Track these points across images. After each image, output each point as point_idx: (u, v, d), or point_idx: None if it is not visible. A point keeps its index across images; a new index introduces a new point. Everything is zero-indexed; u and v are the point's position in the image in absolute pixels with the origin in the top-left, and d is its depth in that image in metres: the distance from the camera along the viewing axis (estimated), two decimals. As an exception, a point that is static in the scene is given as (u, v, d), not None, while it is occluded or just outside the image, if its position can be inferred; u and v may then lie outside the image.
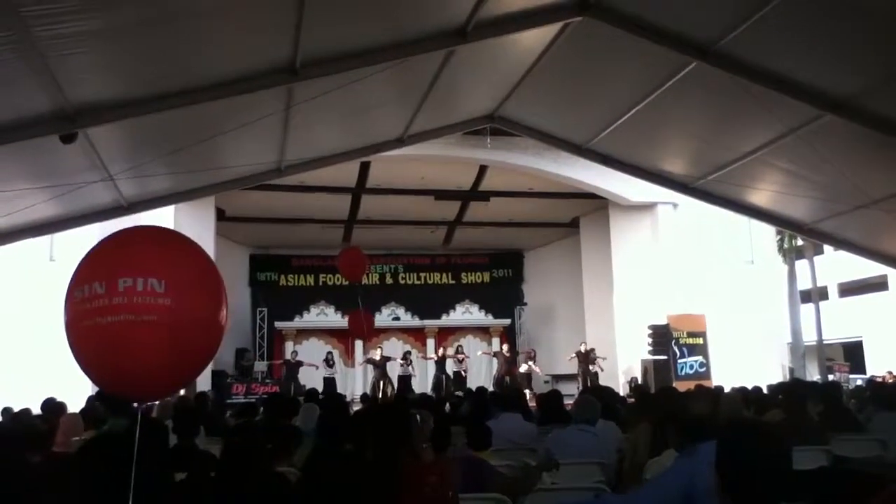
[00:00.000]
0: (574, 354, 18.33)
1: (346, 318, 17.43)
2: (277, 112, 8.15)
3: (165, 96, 6.80)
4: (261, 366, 19.48)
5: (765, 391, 7.39)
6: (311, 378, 17.76)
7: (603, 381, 16.33)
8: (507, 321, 22.61)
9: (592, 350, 18.16)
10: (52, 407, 7.22)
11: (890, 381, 14.66)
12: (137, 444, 3.76)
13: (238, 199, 16.44)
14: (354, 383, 20.31)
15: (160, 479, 3.44)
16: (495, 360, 20.12)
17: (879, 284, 26.59)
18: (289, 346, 20.15)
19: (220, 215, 17.95)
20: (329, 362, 18.70)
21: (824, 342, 21.74)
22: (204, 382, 15.37)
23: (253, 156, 9.84)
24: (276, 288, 22.25)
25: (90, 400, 7.46)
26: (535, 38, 8.36)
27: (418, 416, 4.59)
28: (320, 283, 22.24)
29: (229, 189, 11.43)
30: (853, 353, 26.97)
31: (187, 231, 15.29)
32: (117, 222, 11.26)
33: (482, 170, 17.26)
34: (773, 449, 2.17)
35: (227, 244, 19.66)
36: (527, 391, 15.54)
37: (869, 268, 22.23)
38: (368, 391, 17.56)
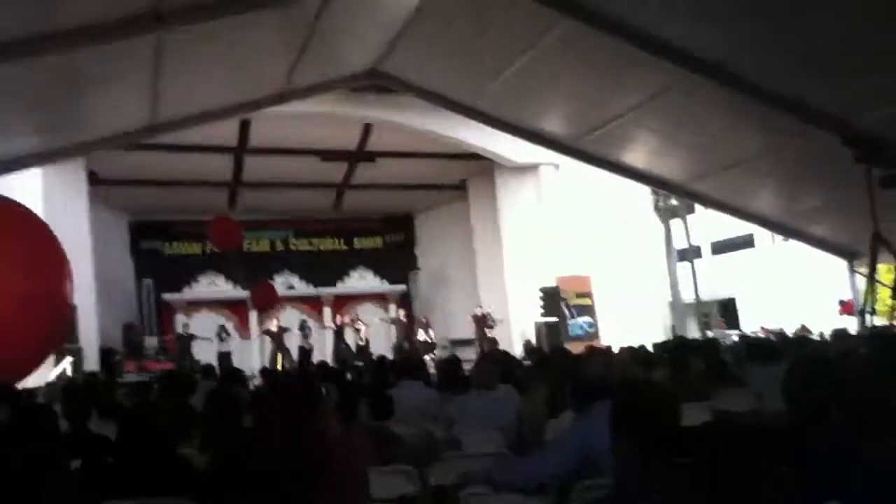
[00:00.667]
0: (471, 318, 18.65)
1: (246, 291, 17.02)
2: (146, 63, 7.67)
3: (19, 43, 6.28)
4: (151, 341, 18.73)
5: (650, 350, 7.78)
6: (206, 353, 17.28)
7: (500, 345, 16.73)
8: (403, 287, 22.69)
9: (489, 314, 18.49)
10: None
11: (762, 335, 15.70)
12: (23, 432, 3.60)
13: (112, 160, 15.50)
14: (251, 357, 19.84)
15: (53, 470, 3.30)
16: (394, 328, 20.22)
17: (747, 243, 28.22)
18: (180, 320, 19.50)
19: (94, 179, 16.77)
20: (221, 336, 18.22)
21: (701, 300, 22.98)
22: (92, 361, 14.66)
23: (124, 112, 9.28)
24: (162, 257, 21.23)
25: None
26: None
27: (323, 389, 4.59)
28: (207, 252, 21.08)
29: (100, 149, 10.81)
30: (728, 310, 28.57)
31: (58, 197, 14.36)
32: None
33: (367, 128, 17.01)
34: (664, 407, 2.32)
35: (105, 211, 18.43)
36: (427, 357, 15.71)
37: (738, 227, 23.60)
38: (267, 364, 17.30)
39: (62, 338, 2.94)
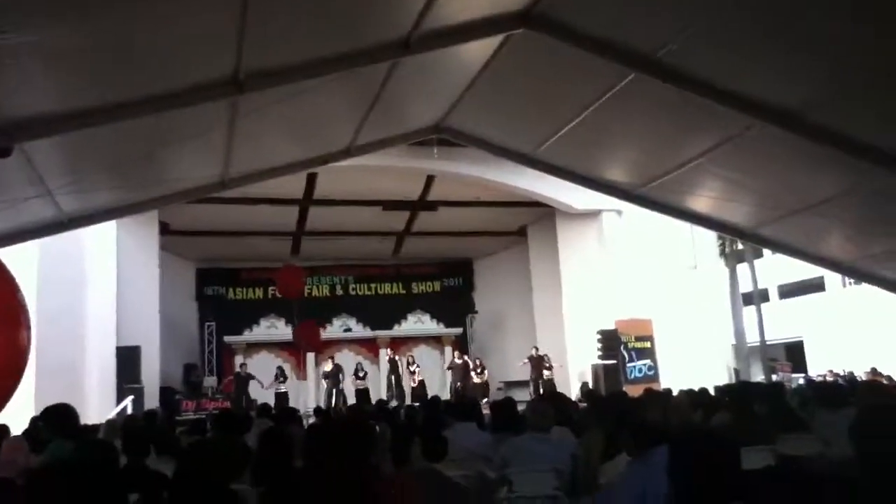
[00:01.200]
0: (527, 359, 18.52)
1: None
2: (221, 124, 8.03)
3: (104, 109, 6.62)
4: (210, 381, 19.15)
5: (712, 393, 7.55)
6: (263, 393, 17.55)
7: (557, 387, 16.52)
8: (459, 330, 22.68)
9: (546, 356, 18.34)
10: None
11: (830, 379, 15.13)
12: (87, 468, 3.67)
13: (183, 212, 16.17)
14: (307, 396, 20.08)
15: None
16: (450, 373, 20.19)
17: (817, 286, 27.44)
18: (238, 361, 19.87)
19: (164, 229, 17.61)
20: (279, 377, 18.52)
21: (767, 343, 22.33)
22: (153, 399, 15.07)
23: (197, 169, 9.67)
24: (224, 302, 21.92)
25: (33, 421, 7.23)
26: (478, 49, 8.41)
27: (377, 427, 4.59)
28: (269, 296, 21.91)
29: (173, 203, 11.23)
30: (794, 353, 27.72)
31: (131, 246, 15.17)
32: (57, 238, 10.98)
33: (430, 179, 17.33)
34: (723, 452, 2.25)
35: (173, 258, 19.29)
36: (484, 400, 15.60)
37: (807, 270, 22.97)
38: (322, 404, 17.42)
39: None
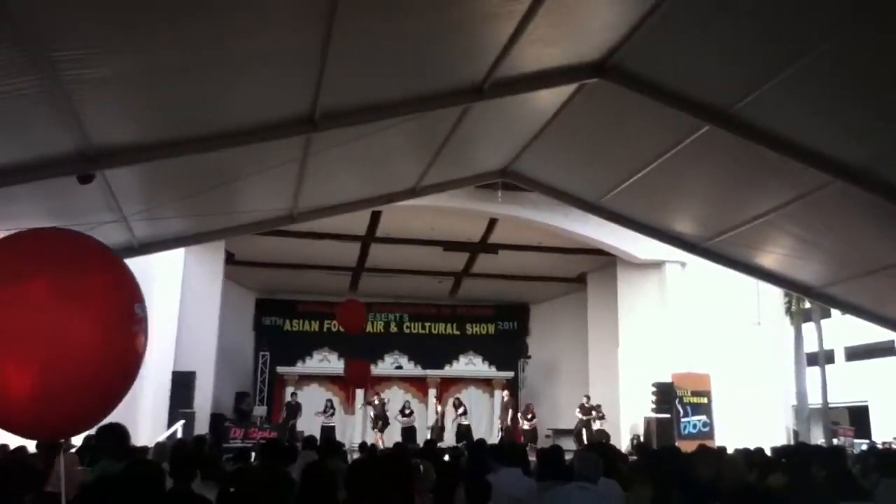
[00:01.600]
0: (578, 407, 18.26)
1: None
2: (294, 160, 8.26)
3: (184, 142, 6.92)
4: (260, 410, 19.33)
5: (768, 454, 7.29)
6: (311, 425, 17.65)
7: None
8: (510, 374, 22.47)
9: (598, 406, 18.02)
10: (49, 446, 7.18)
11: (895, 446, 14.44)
12: (135, 487, 3.75)
13: (248, 243, 16.54)
14: (353, 431, 20.13)
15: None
16: (498, 412, 20.01)
17: (887, 349, 26.39)
18: (289, 391, 20.06)
19: (230, 258, 18.04)
20: (327, 410, 18.66)
21: (829, 406, 21.50)
22: (203, 424, 15.29)
23: (266, 202, 9.95)
24: (280, 332, 22.20)
25: (87, 439, 7.42)
26: (550, 97, 8.47)
27: (421, 466, 4.57)
28: (324, 329, 22.17)
29: (241, 234, 11.54)
30: (858, 417, 26.64)
31: (196, 273, 15.59)
32: (127, 263, 11.35)
33: (492, 222, 17.37)
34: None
35: (235, 287, 19.73)
36: (529, 446, 15.40)
37: (876, 332, 22.13)
38: (368, 439, 17.46)
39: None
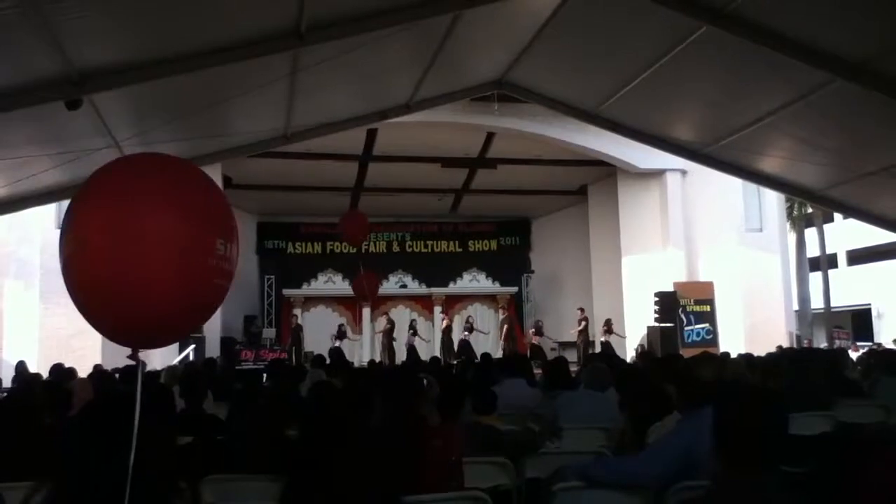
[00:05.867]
0: (578, 325, 18.50)
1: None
2: (283, 77, 8.08)
3: (166, 61, 6.75)
4: (269, 332, 19.64)
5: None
6: (320, 347, 17.91)
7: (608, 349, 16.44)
8: (514, 289, 22.66)
9: (608, 320, 18.16)
10: (62, 372, 7.32)
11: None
12: (140, 403, 3.80)
13: (245, 166, 16.40)
14: (362, 351, 20.45)
15: (163, 441, 3.47)
16: (504, 328, 20.27)
17: (889, 252, 26.47)
18: (297, 314, 20.30)
19: (227, 183, 17.92)
20: (340, 334, 18.92)
21: (832, 310, 21.72)
22: (213, 348, 15.55)
23: (259, 122, 9.79)
24: (284, 255, 22.29)
25: (96, 367, 7.56)
26: (542, 1, 8.23)
27: (425, 380, 4.61)
28: (328, 251, 22.24)
29: (236, 156, 11.41)
30: (861, 321, 26.95)
31: None
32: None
33: (489, 136, 17.14)
34: (770, 412, 2.17)
35: (235, 212, 19.42)
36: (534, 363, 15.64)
37: (878, 235, 22.16)
38: (377, 358, 17.78)
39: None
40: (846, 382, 5.02)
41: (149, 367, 7.70)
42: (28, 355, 12.15)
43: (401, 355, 18.16)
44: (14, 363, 11.55)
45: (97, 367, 7.56)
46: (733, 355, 8.06)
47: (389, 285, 22.12)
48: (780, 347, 12.78)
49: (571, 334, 18.84)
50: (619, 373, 5.52)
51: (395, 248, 23.16)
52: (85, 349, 11.74)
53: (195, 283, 2.87)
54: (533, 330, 19.67)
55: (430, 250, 23.42)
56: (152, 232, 2.68)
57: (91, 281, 2.64)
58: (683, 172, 17.46)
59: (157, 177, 2.96)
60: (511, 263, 23.34)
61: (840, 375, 5.20)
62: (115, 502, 1.93)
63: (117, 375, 7.15)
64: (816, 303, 21.46)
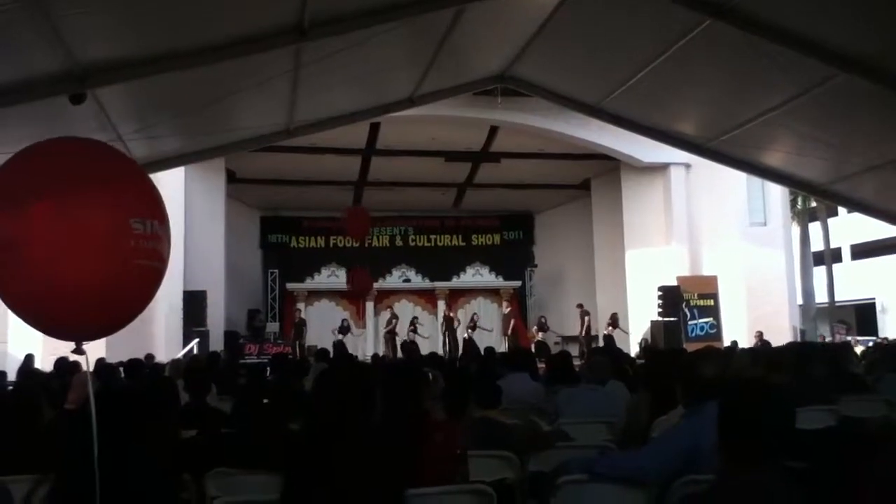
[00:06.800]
0: (582, 321, 18.48)
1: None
2: (286, 72, 8.08)
3: (169, 57, 6.76)
4: (273, 326, 19.69)
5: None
6: (324, 341, 17.94)
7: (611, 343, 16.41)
8: (518, 283, 22.64)
9: (614, 315, 18.14)
10: (65, 366, 7.33)
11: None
12: (147, 398, 3.82)
13: (248, 160, 16.43)
14: (366, 345, 20.48)
15: (165, 434, 3.47)
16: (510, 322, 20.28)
17: (894, 246, 26.41)
18: (300, 308, 20.33)
19: (231, 177, 17.98)
20: (343, 329, 18.94)
21: (836, 304, 21.69)
22: (217, 342, 15.59)
23: (262, 117, 9.79)
24: (287, 250, 22.33)
25: (98, 362, 7.57)
26: (546, -5, 8.23)
27: (430, 374, 4.61)
28: (331, 245, 22.25)
29: (238, 150, 11.43)
30: (866, 315, 26.90)
31: (199, 192, 15.59)
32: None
33: (493, 130, 17.12)
34: (776, 406, 2.17)
35: (238, 206, 19.75)
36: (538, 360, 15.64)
37: (883, 229, 22.11)
38: (381, 353, 17.77)
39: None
40: (849, 377, 5.02)
41: (154, 361, 7.76)
42: (34, 348, 12.18)
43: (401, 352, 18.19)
44: (19, 356, 11.58)
45: (100, 361, 7.57)
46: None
47: (392, 279, 22.15)
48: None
49: (581, 336, 18.77)
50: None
51: (399, 242, 23.20)
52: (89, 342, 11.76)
53: (113, 266, 2.78)
54: (536, 327, 19.68)
55: (433, 245, 23.44)
56: (51, 223, 2.65)
57: (7, 281, 2.64)
58: (687, 166, 17.45)
59: (54, 165, 2.92)
60: (514, 258, 23.35)
61: (842, 370, 5.19)
62: (115, 495, 1.94)
63: (121, 369, 7.16)
64: (820, 297, 21.41)
